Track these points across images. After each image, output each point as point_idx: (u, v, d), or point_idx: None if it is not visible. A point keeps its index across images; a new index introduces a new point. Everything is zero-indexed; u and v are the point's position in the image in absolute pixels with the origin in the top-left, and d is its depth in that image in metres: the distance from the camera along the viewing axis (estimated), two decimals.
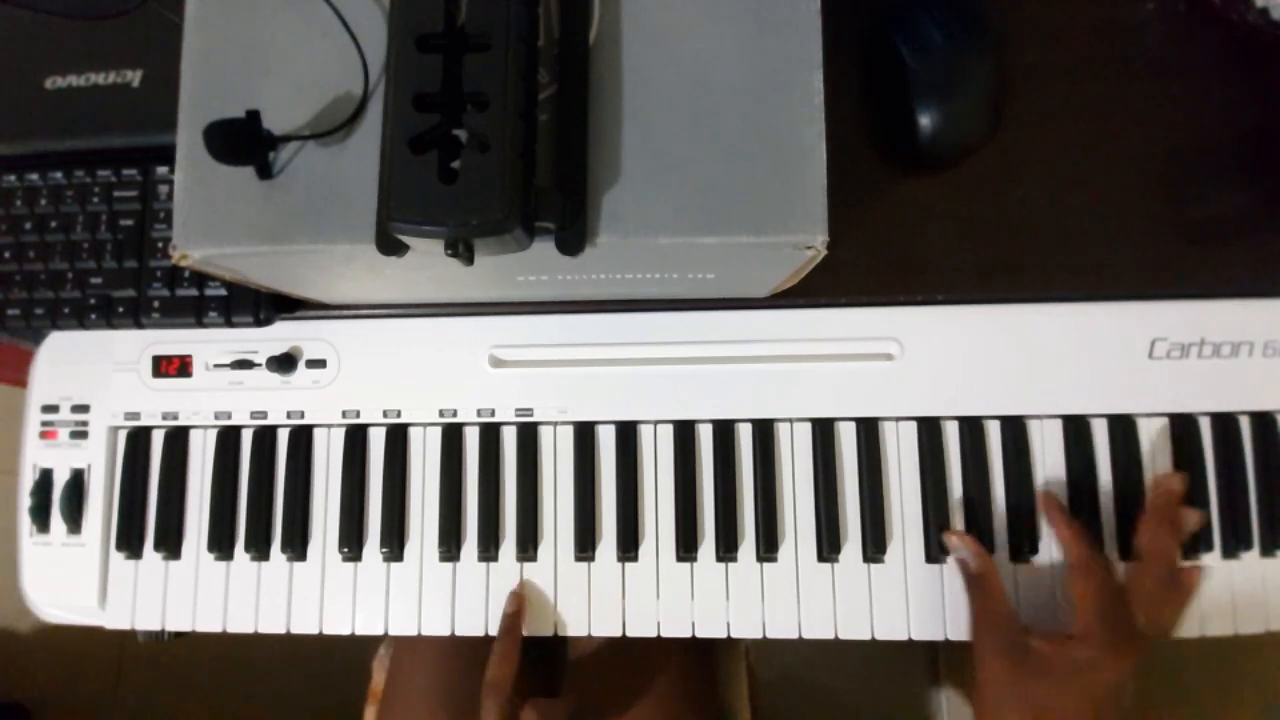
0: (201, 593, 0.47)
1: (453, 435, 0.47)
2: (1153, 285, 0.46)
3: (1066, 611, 0.43)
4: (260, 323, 0.47)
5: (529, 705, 0.43)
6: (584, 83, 0.31)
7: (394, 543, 0.46)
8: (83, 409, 0.49)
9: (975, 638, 0.42)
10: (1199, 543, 0.44)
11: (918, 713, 1.06)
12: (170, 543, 0.47)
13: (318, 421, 0.48)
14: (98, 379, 0.49)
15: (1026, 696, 0.39)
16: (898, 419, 0.46)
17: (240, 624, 0.47)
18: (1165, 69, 0.47)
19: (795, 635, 0.45)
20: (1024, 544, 0.45)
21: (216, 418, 0.48)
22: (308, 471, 0.47)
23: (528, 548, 0.46)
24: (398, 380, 0.48)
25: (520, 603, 0.45)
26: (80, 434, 0.48)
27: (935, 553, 0.45)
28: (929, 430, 0.46)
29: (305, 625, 0.46)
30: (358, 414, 0.47)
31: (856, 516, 0.45)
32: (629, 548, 0.45)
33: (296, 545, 0.47)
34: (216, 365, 0.48)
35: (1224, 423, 0.46)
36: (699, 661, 0.56)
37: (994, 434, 0.46)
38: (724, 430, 0.46)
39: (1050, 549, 0.45)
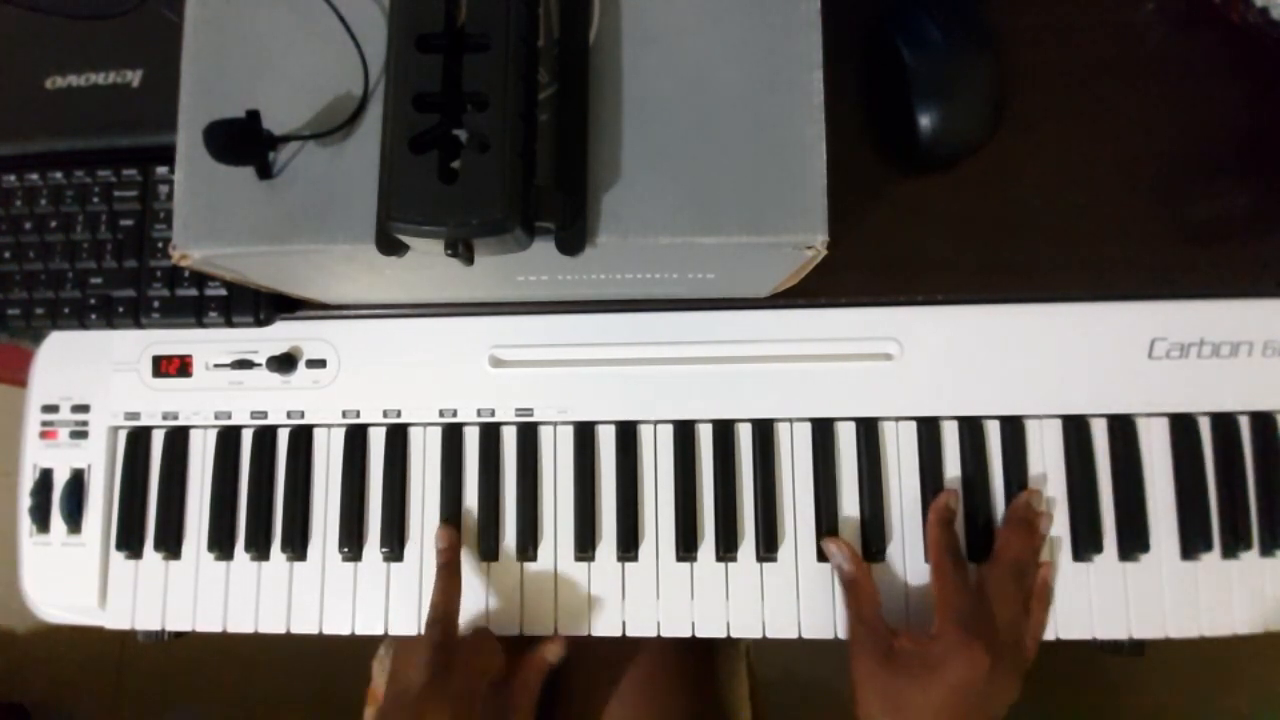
0: (201, 593, 0.47)
1: (453, 435, 0.47)
2: (1153, 285, 0.46)
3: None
4: (260, 323, 0.47)
5: (467, 635, 0.43)
6: (584, 83, 0.31)
7: (394, 543, 0.46)
8: (83, 409, 0.49)
9: (849, 639, 0.43)
10: (1198, 543, 0.44)
11: None
12: (170, 543, 0.47)
13: (318, 421, 0.48)
14: (98, 379, 0.49)
15: (890, 694, 0.40)
16: (897, 419, 0.46)
17: (240, 624, 0.47)
18: (1165, 69, 0.47)
19: (795, 635, 0.45)
20: None
21: (216, 418, 0.48)
22: (308, 471, 0.47)
23: (528, 548, 0.46)
24: (398, 380, 0.48)
25: (452, 536, 0.45)
26: (80, 434, 0.48)
27: None
28: (929, 430, 0.46)
29: (305, 625, 0.46)
30: (358, 414, 0.48)
31: (856, 516, 0.45)
32: (629, 548, 0.45)
33: (296, 545, 0.47)
34: (216, 365, 0.48)
35: (1224, 423, 0.46)
36: (699, 661, 0.56)
37: (994, 434, 0.46)
38: (724, 430, 0.46)
39: (1050, 548, 0.45)
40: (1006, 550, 0.43)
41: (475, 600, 0.46)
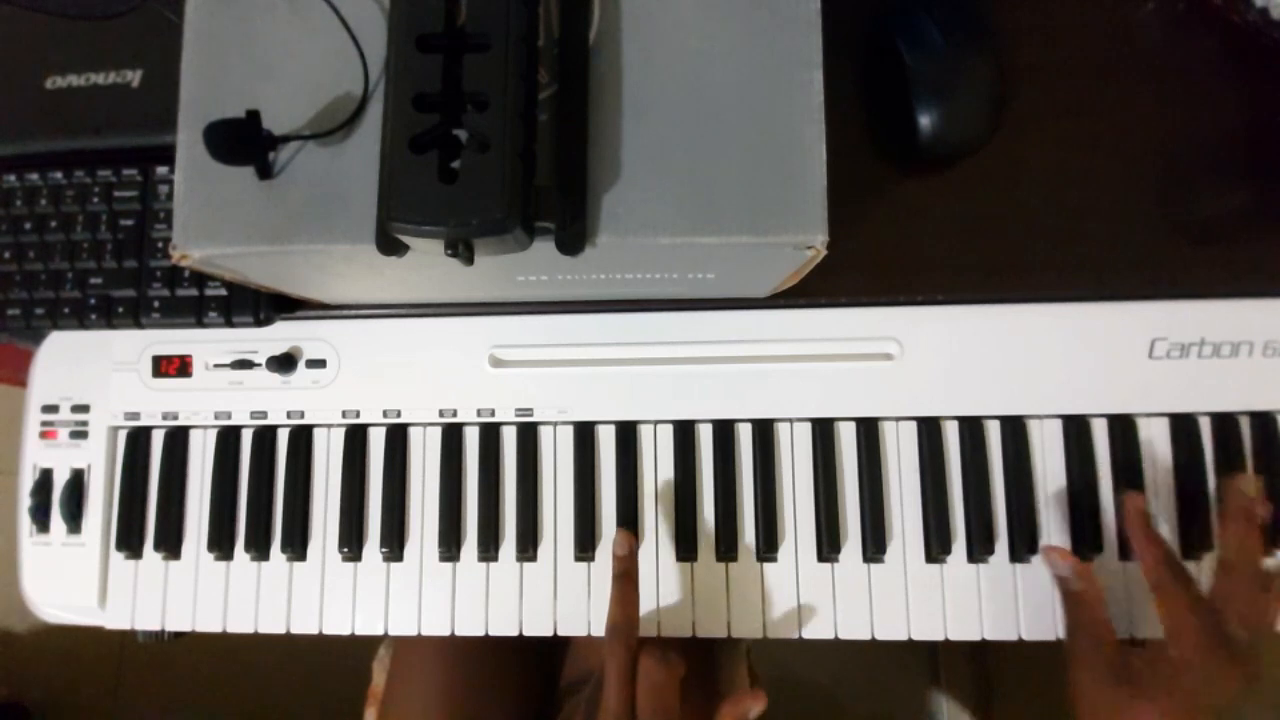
0: (201, 593, 0.47)
1: (453, 435, 0.47)
2: (1153, 285, 0.46)
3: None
4: (260, 323, 0.47)
5: (647, 648, 0.41)
6: (584, 83, 0.31)
7: (394, 543, 0.46)
8: (83, 409, 0.49)
9: (1072, 656, 0.41)
10: (1198, 543, 0.44)
11: (918, 713, 1.06)
12: (170, 543, 0.47)
13: (318, 421, 0.48)
14: (98, 379, 0.49)
15: (1129, 717, 0.38)
16: (898, 419, 0.46)
17: (240, 624, 0.47)
18: (1165, 69, 0.47)
19: (795, 635, 0.45)
20: (1023, 544, 0.45)
21: (216, 418, 0.48)
22: (308, 471, 0.47)
23: (528, 548, 0.46)
24: (398, 380, 0.48)
25: (631, 543, 0.44)
26: (80, 434, 0.48)
27: (935, 552, 0.45)
28: (929, 430, 0.46)
29: (305, 625, 0.46)
30: (358, 414, 0.48)
31: (856, 516, 0.45)
32: None
33: (296, 545, 0.47)
34: (216, 365, 0.48)
35: (1224, 423, 0.46)
36: (699, 661, 0.56)
37: (994, 434, 0.46)
38: (724, 430, 0.46)
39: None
40: (1238, 552, 0.40)
41: (475, 601, 0.46)
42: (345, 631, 0.46)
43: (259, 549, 0.47)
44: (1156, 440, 0.46)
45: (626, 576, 0.43)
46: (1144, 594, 0.44)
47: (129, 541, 0.47)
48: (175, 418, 0.48)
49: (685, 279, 0.40)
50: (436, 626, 0.46)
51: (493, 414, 0.47)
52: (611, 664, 0.40)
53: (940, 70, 0.43)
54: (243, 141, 0.31)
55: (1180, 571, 0.40)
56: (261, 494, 0.47)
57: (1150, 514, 0.43)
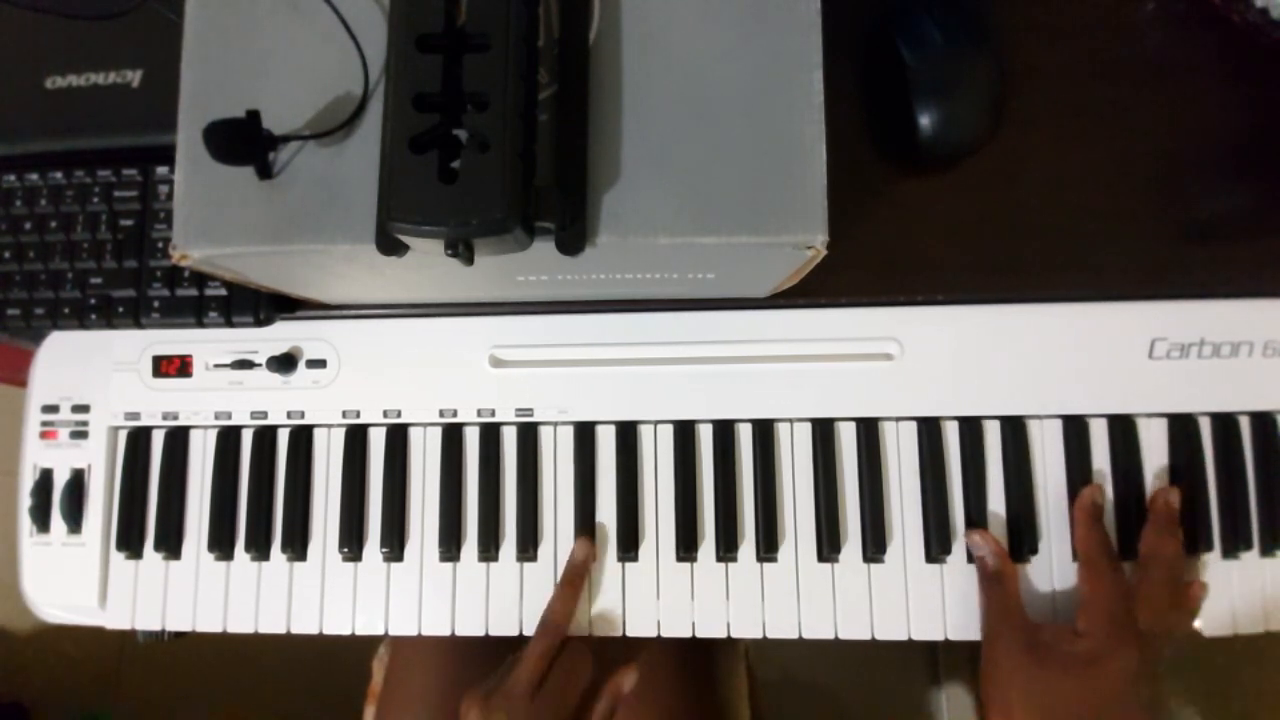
0: (201, 593, 0.47)
1: (453, 435, 0.47)
2: (1153, 285, 0.46)
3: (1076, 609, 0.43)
4: (260, 323, 0.47)
5: (573, 641, 0.43)
6: (584, 83, 0.31)
7: (394, 543, 0.46)
8: (83, 409, 0.49)
9: (986, 632, 0.43)
10: (1199, 541, 0.44)
11: (918, 713, 1.06)
12: (170, 543, 0.47)
13: (318, 421, 0.48)
14: (98, 379, 0.49)
15: (1033, 689, 0.40)
16: (898, 419, 0.46)
17: (240, 624, 0.47)
18: (1165, 69, 0.47)
19: (795, 635, 0.45)
20: (1024, 544, 0.45)
21: (217, 418, 0.48)
22: (308, 471, 0.47)
23: (528, 548, 0.46)
24: (398, 380, 0.48)
25: (590, 550, 0.45)
26: (80, 434, 0.48)
27: (935, 553, 0.45)
28: (929, 430, 0.46)
29: (305, 625, 0.46)
30: (358, 414, 0.47)
31: (856, 516, 0.45)
32: (629, 548, 0.45)
33: (297, 545, 0.47)
34: (216, 365, 0.48)
35: (1224, 423, 0.46)
36: (698, 661, 0.56)
37: (994, 434, 0.46)
38: (724, 430, 0.46)
39: (1050, 549, 0.45)
40: (1159, 554, 0.43)
41: (475, 601, 0.46)
42: (345, 631, 0.46)
43: (259, 549, 0.47)
44: (1156, 441, 0.46)
45: (578, 581, 0.45)
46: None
47: (129, 541, 0.47)
48: (175, 418, 0.48)
49: (685, 279, 0.40)
50: (437, 626, 0.46)
51: (493, 414, 0.47)
52: (535, 647, 0.42)
53: (940, 70, 0.43)
54: (243, 141, 0.31)
55: (1111, 554, 0.43)
56: (262, 494, 0.47)
57: (1100, 505, 0.44)
